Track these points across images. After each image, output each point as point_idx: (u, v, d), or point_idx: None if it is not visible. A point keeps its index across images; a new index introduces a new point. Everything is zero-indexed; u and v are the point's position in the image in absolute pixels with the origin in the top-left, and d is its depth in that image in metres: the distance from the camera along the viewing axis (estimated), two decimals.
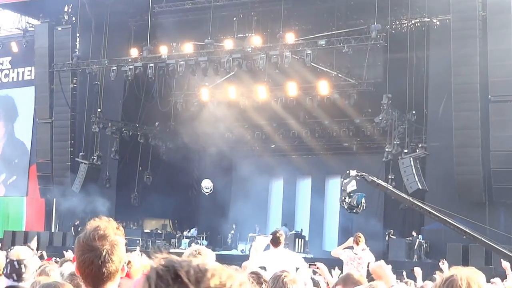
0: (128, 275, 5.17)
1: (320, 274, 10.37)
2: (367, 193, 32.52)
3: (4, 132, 43.77)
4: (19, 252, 5.92)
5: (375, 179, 26.67)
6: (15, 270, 5.82)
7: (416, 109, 32.31)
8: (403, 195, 28.29)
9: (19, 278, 5.80)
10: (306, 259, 21.12)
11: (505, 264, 12.41)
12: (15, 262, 5.82)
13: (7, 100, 43.67)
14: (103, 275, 3.56)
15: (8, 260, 5.93)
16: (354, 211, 26.94)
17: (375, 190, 34.05)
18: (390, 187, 27.97)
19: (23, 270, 5.79)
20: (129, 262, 5.34)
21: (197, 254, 5.56)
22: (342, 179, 27.17)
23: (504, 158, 28.68)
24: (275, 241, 11.42)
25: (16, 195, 42.92)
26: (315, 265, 10.15)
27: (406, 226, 33.24)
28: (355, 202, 26.49)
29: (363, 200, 26.69)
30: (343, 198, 26.69)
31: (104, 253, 3.55)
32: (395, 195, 27.90)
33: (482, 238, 25.85)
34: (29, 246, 13.03)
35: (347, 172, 26.47)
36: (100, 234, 3.59)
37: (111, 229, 3.64)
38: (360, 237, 14.73)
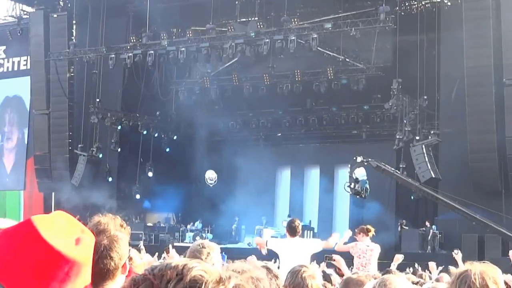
0: (130, 273, 5.03)
1: (337, 267, 10.31)
2: (379, 182, 32.51)
3: (16, 139, 43.52)
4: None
5: (381, 164, 27.28)
6: None
7: (428, 94, 32.11)
8: (409, 180, 28.28)
9: None
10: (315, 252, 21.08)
11: None
12: None
13: (19, 102, 43.30)
14: (101, 272, 3.46)
15: None
16: (359, 196, 28.65)
17: (386, 179, 34.10)
18: (396, 173, 28.11)
19: None
20: (130, 258, 5.23)
21: (201, 248, 5.54)
22: (350, 166, 28.53)
23: None
24: (292, 231, 11.55)
25: (13, 188, 42.86)
26: (332, 257, 10.12)
27: (419, 216, 33.09)
28: (359, 187, 28.20)
29: (367, 185, 28.31)
30: (349, 183, 28.30)
31: (101, 248, 3.47)
32: (401, 181, 28.02)
33: (493, 225, 25.80)
34: None
35: (354, 158, 27.96)
36: (100, 229, 3.53)
37: (112, 225, 3.58)
38: (369, 228, 14.53)
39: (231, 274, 1.89)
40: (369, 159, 28.59)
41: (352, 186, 29.03)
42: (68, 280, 2.37)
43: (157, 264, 1.92)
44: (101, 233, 3.52)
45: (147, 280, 1.88)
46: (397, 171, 29.58)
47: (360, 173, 33.09)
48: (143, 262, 6.27)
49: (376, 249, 14.25)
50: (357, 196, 29.41)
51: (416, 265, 20.78)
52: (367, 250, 14.16)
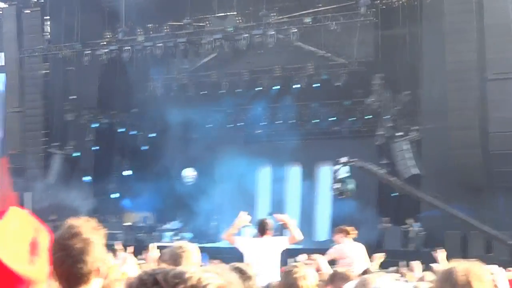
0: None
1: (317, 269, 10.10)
2: (360, 179, 32.47)
3: None
4: None
5: (365, 164, 27.43)
6: None
7: (410, 89, 32.09)
8: (393, 179, 28.28)
9: None
10: (296, 250, 20.92)
11: None
12: None
13: None
14: (75, 276, 3.50)
15: None
16: (343, 196, 29.26)
17: (367, 176, 34.02)
18: (380, 172, 28.18)
19: None
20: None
21: (182, 252, 5.53)
22: (334, 167, 29.22)
23: (503, 140, 28.41)
24: (261, 230, 11.67)
25: None
26: (311, 257, 10.05)
27: (402, 213, 32.95)
28: (343, 187, 28.91)
29: (353, 185, 28.83)
30: (333, 184, 29.06)
31: (75, 252, 3.50)
32: (386, 181, 28.05)
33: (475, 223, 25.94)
34: None
35: (338, 159, 28.44)
36: (73, 232, 3.54)
37: (86, 228, 3.58)
38: (349, 230, 14.30)
39: None
40: (354, 160, 28.68)
41: (336, 186, 29.06)
42: None
43: (169, 269, 2.01)
44: (74, 236, 3.52)
45: (157, 285, 1.98)
46: (381, 170, 29.54)
47: (343, 170, 33.08)
48: (116, 264, 6.14)
49: (360, 248, 14.11)
50: (340, 197, 29.41)
51: (402, 263, 20.70)
52: (350, 250, 14.02)
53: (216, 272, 2.02)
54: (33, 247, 2.92)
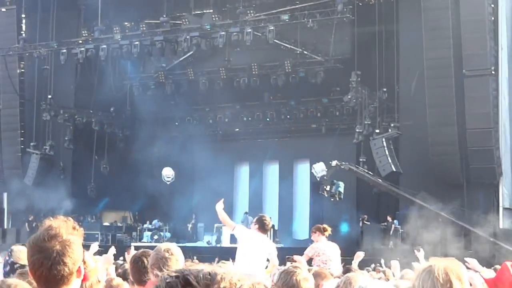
0: (85, 278, 4.90)
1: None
2: (339, 177, 32.51)
3: None
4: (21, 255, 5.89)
5: (353, 167, 28.64)
6: (13, 272, 5.77)
7: (387, 86, 32.07)
8: (381, 182, 28.36)
9: None
10: (277, 249, 20.86)
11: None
12: (17, 266, 5.85)
13: None
14: (54, 278, 3.40)
15: (10, 261, 6.05)
16: (333, 199, 29.58)
17: (346, 174, 34.02)
18: (368, 175, 28.36)
19: None
20: (84, 262, 5.05)
21: (170, 255, 5.46)
22: (327, 170, 29.32)
23: (481, 136, 28.44)
24: (263, 227, 11.60)
25: None
26: (293, 258, 10.12)
27: (381, 211, 33.00)
28: (333, 190, 29.29)
29: (342, 188, 29.25)
30: (324, 186, 29.23)
31: (54, 254, 3.40)
32: (373, 183, 28.20)
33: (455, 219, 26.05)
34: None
35: (330, 162, 28.94)
36: (51, 234, 3.43)
37: (64, 229, 3.47)
38: (326, 228, 14.31)
39: None
40: (343, 163, 29.12)
41: (328, 189, 29.55)
42: None
43: (199, 270, 2.00)
44: (53, 238, 3.42)
45: (190, 286, 1.97)
46: (369, 172, 29.59)
47: (320, 168, 33.03)
48: (97, 265, 6.07)
49: (335, 247, 14.12)
50: (332, 199, 29.74)
51: (382, 261, 20.73)
52: (326, 247, 14.03)
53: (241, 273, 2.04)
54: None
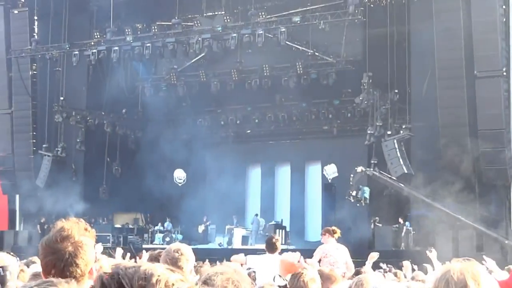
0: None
1: None
2: (345, 179, 32.59)
3: None
4: (2, 258, 5.79)
5: (377, 173, 29.02)
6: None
7: (399, 87, 32.02)
8: (406, 189, 28.49)
9: (3, 285, 5.62)
10: (287, 250, 20.90)
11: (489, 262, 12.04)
12: (0, 269, 5.74)
13: None
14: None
15: None
16: (358, 204, 30.08)
17: (359, 177, 34.05)
18: (391, 181, 28.55)
19: (8, 277, 5.59)
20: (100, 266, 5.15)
21: (180, 256, 5.49)
22: (352, 176, 29.89)
23: (493, 137, 28.40)
24: (271, 247, 11.67)
25: None
26: (305, 261, 9.97)
27: (392, 212, 32.91)
28: (359, 195, 29.81)
29: (367, 193, 29.73)
30: (350, 191, 29.66)
31: (66, 255, 3.46)
32: (396, 188, 28.41)
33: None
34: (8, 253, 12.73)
35: (355, 168, 29.38)
36: (63, 235, 3.50)
37: (76, 230, 3.54)
38: (335, 230, 14.44)
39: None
40: (368, 169, 29.31)
41: (354, 194, 29.85)
42: None
43: (136, 270, 1.99)
44: (65, 239, 3.48)
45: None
46: (392, 178, 29.62)
47: (331, 169, 33.14)
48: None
49: (343, 248, 14.20)
50: (358, 204, 30.17)
51: (385, 265, 20.73)
52: (334, 249, 14.11)
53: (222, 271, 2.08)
54: None
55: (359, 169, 29.45)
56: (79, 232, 3.55)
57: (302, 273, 5.41)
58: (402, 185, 29.39)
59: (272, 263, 11.48)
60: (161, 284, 1.95)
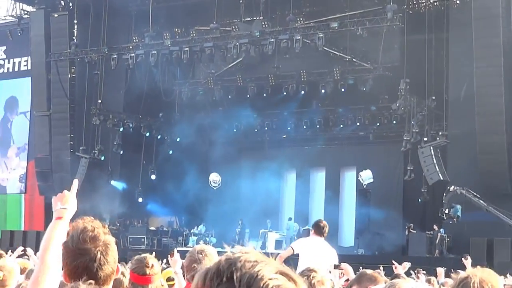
0: (149, 280, 5.13)
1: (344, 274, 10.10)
2: (385, 184, 32.60)
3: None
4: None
5: (465, 192, 28.88)
6: None
7: (436, 94, 32.02)
8: (493, 210, 28.57)
9: None
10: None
11: None
12: None
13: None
14: (100, 279, 3.49)
15: None
16: (451, 222, 30.02)
17: (392, 181, 34.26)
18: (480, 201, 28.74)
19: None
20: (152, 265, 5.29)
21: (204, 257, 5.51)
22: (444, 195, 29.98)
23: None
24: (319, 231, 11.51)
25: (14, 192, 42.92)
26: (340, 266, 9.93)
27: (427, 219, 32.97)
28: (452, 213, 29.89)
29: (459, 211, 29.65)
30: (443, 209, 29.82)
31: (99, 255, 3.49)
32: (486, 208, 28.56)
33: None
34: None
35: (448, 188, 29.60)
36: (91, 235, 3.51)
37: (100, 229, 3.57)
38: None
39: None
40: (457, 187, 29.26)
41: (446, 212, 29.92)
42: None
43: (248, 267, 1.91)
44: (93, 240, 3.52)
45: (230, 282, 1.90)
46: (481, 199, 29.63)
47: (367, 175, 33.22)
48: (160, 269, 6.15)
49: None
50: (450, 222, 30.18)
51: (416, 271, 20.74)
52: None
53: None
54: None
55: (452, 188, 29.48)
56: (104, 231, 3.59)
57: (310, 275, 5.33)
58: (491, 207, 29.24)
59: (318, 245, 11.55)
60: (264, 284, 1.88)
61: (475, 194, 29.11)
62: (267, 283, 1.87)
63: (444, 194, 29.74)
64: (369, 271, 6.40)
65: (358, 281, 6.22)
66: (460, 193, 29.28)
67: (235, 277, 1.88)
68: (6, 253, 10.80)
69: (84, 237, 3.49)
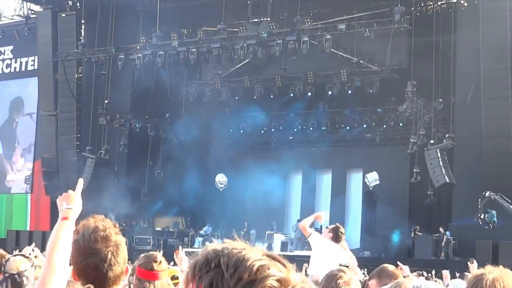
0: (155, 277, 5.12)
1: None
2: (392, 186, 32.59)
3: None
4: (18, 263, 5.64)
5: (498, 198, 28.88)
6: (16, 285, 5.52)
7: (443, 97, 32.03)
8: None
9: None
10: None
11: None
12: (16, 276, 5.55)
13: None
14: (109, 280, 3.51)
15: (7, 275, 5.60)
16: (487, 227, 29.52)
17: (398, 183, 34.32)
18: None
19: (25, 282, 5.55)
20: (160, 262, 5.26)
21: None
22: (479, 200, 29.42)
23: None
24: (337, 237, 11.60)
25: (20, 192, 43.06)
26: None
27: (433, 222, 33.02)
28: (488, 218, 29.42)
29: (495, 217, 29.24)
30: (479, 214, 29.31)
31: (109, 255, 3.50)
32: None
33: None
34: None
35: (483, 193, 29.17)
36: (102, 235, 3.53)
37: (112, 229, 3.60)
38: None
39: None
40: (492, 193, 29.18)
41: (482, 217, 29.64)
42: None
43: (234, 253, 1.95)
44: (104, 239, 3.54)
45: (217, 268, 1.95)
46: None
47: (373, 177, 33.27)
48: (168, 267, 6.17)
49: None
50: (486, 227, 29.79)
51: (433, 272, 20.78)
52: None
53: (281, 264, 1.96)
54: None
55: (487, 193, 29.33)
56: (114, 231, 3.61)
57: (338, 275, 5.28)
58: None
59: (333, 250, 11.63)
60: (252, 269, 1.92)
61: (507, 199, 29.11)
62: (253, 263, 1.91)
63: (480, 199, 29.59)
64: (391, 267, 6.37)
65: (379, 275, 6.22)
66: (494, 199, 29.26)
67: (222, 262, 1.94)
68: (12, 252, 10.83)
69: (95, 237, 3.51)
